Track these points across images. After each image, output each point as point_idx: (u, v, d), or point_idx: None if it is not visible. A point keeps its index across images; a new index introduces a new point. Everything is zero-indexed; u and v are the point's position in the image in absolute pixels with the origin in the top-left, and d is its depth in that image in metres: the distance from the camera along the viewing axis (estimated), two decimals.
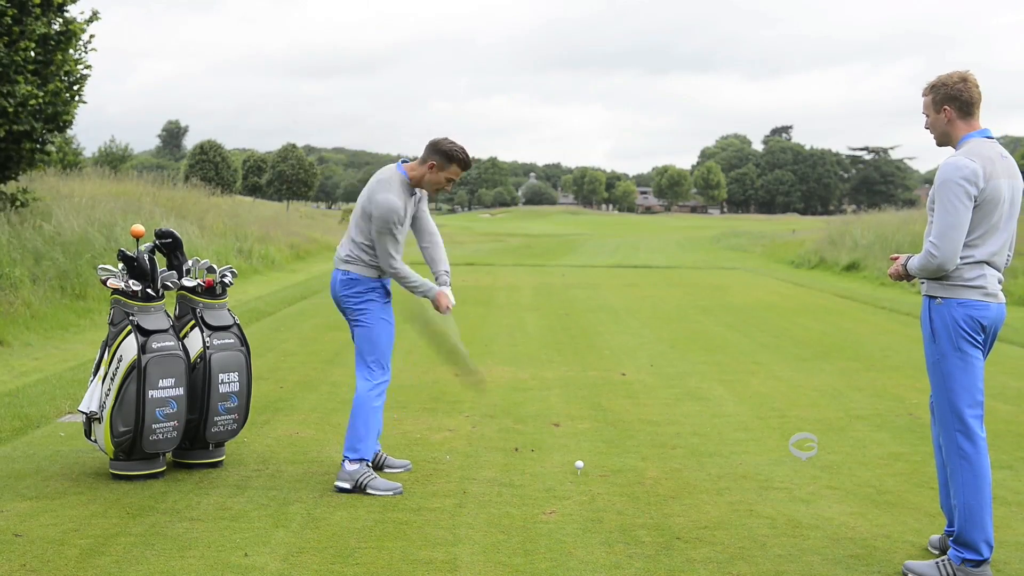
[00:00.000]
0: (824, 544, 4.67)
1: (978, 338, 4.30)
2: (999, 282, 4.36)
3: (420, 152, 5.46)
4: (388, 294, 5.59)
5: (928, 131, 4.54)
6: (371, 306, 5.47)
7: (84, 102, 14.15)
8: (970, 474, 4.25)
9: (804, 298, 18.33)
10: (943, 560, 4.28)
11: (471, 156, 5.46)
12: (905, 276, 4.50)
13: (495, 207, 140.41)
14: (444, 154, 5.35)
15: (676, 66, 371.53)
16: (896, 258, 4.58)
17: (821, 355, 10.78)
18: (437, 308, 5.57)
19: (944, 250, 4.23)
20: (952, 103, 4.39)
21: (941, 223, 4.24)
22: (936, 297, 4.34)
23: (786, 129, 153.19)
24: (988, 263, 4.32)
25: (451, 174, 5.40)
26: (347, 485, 5.36)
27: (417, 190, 5.54)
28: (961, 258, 4.28)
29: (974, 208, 4.26)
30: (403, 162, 5.53)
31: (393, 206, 5.27)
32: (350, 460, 5.39)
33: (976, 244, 4.30)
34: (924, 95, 4.49)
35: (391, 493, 5.33)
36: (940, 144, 4.52)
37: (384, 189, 5.32)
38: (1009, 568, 4.41)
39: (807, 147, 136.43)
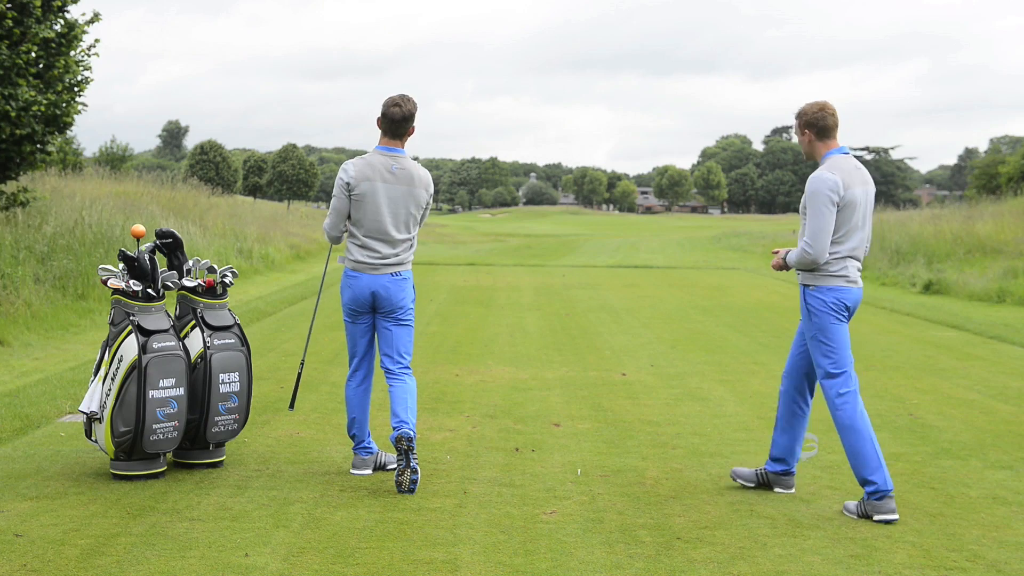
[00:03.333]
0: (824, 544, 4.67)
1: (843, 315, 5.29)
2: (858, 270, 5.35)
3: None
4: None
5: (801, 146, 5.53)
6: (411, 301, 5.79)
7: (85, 105, 14.13)
8: (851, 423, 5.19)
9: None
10: (760, 470, 5.56)
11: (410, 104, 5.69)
12: (785, 267, 5.44)
13: (495, 207, 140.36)
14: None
15: (679, 68, 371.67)
16: (778, 252, 5.49)
17: None
18: None
19: (816, 248, 5.20)
20: (811, 128, 5.39)
21: (812, 226, 5.21)
22: (810, 285, 5.30)
23: (787, 129, 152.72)
24: (851, 256, 5.29)
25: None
26: (413, 434, 5.44)
27: (398, 163, 5.68)
28: (830, 253, 5.24)
29: (837, 212, 5.22)
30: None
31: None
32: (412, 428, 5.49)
33: (841, 241, 5.27)
34: (798, 118, 5.47)
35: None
36: (808, 159, 5.48)
37: None
38: (1009, 568, 4.41)
39: None
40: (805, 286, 5.33)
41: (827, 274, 5.26)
